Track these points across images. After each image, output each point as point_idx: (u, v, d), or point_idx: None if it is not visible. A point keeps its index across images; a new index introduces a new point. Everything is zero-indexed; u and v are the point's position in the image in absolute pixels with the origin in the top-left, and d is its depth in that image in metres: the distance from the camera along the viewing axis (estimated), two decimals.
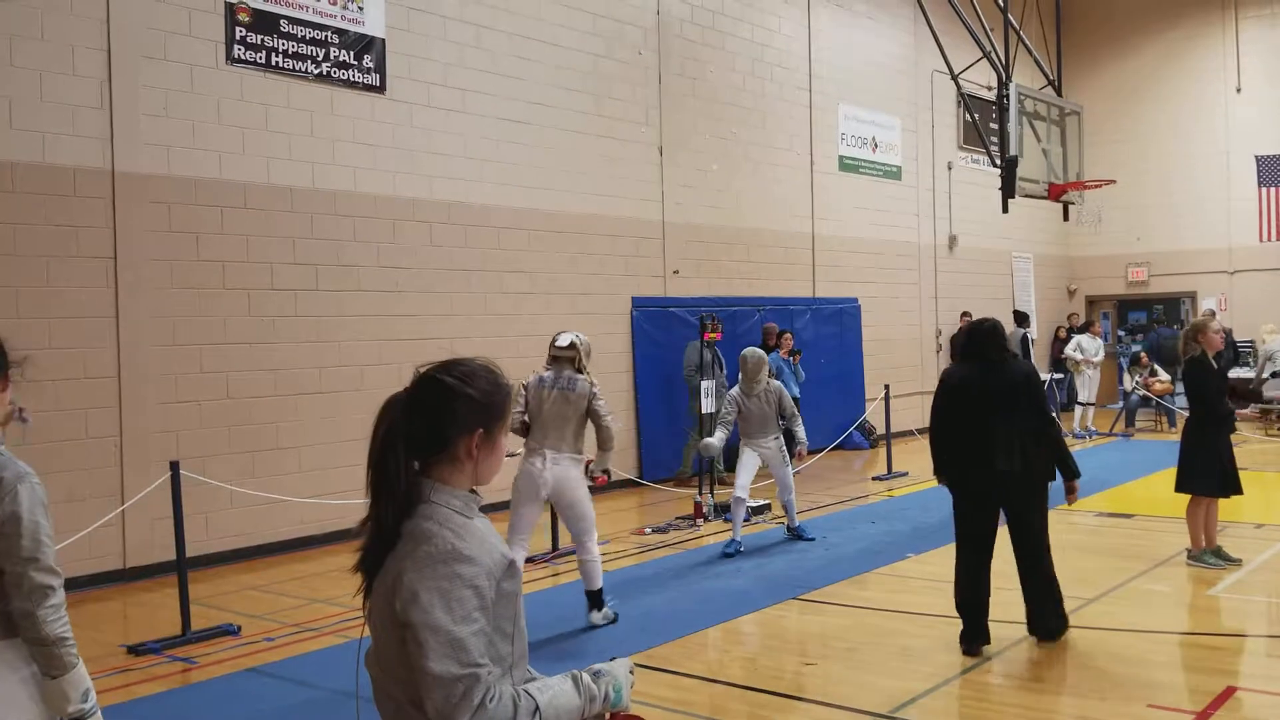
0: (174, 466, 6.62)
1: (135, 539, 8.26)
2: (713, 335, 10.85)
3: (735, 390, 8.76)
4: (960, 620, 6.13)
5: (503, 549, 2.19)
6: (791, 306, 15.05)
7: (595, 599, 6.61)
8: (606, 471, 6.73)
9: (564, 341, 6.55)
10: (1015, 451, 5.83)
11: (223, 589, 7.93)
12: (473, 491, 2.26)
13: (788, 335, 13.37)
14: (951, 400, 5.97)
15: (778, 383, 8.88)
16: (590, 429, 6.58)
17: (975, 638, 6.00)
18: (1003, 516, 6.07)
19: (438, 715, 2.01)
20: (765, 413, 8.67)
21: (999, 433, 5.84)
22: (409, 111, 10.28)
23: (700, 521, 10.05)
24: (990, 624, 6.21)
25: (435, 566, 2.07)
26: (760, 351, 8.86)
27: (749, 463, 8.80)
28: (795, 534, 9.20)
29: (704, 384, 10.70)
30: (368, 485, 2.18)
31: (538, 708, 2.09)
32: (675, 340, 12.74)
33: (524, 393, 6.47)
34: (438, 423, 2.18)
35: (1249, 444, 14.36)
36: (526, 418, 6.48)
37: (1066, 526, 9.98)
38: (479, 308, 10.92)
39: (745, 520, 9.36)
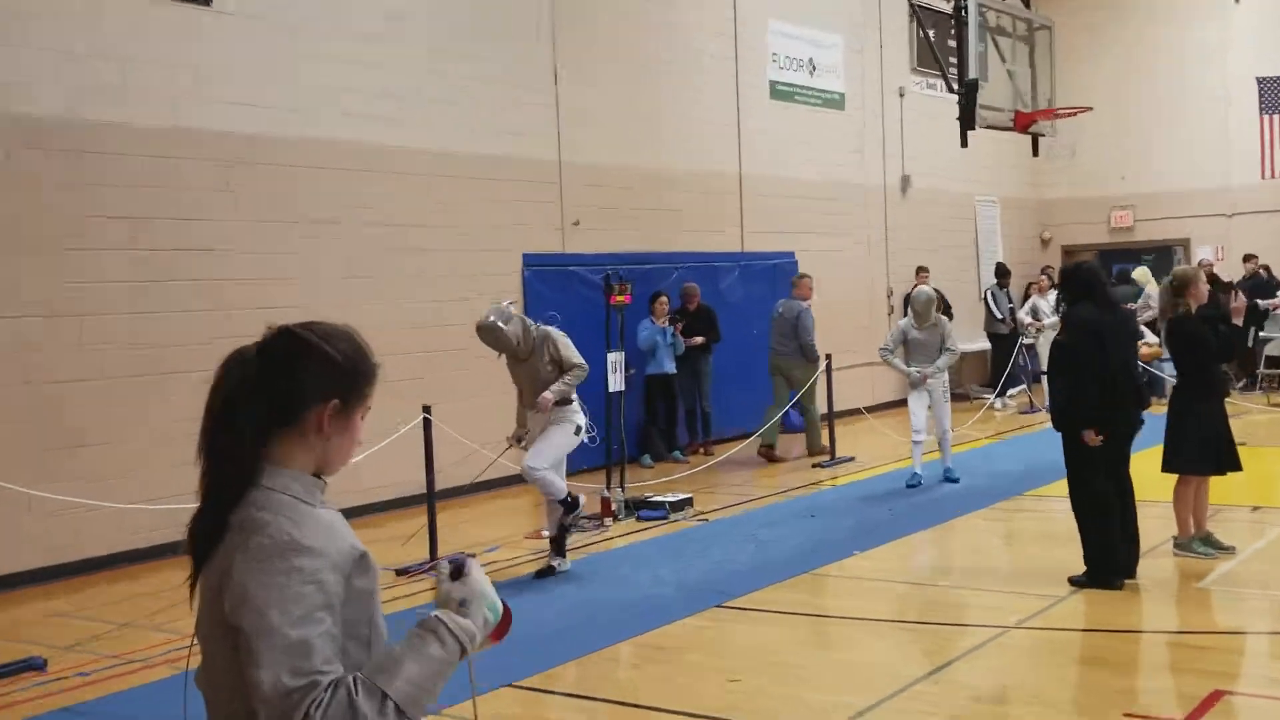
0: None
1: None
2: (620, 299, 10.97)
3: (904, 321, 11.74)
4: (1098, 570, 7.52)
5: (353, 540, 2.24)
6: (716, 263, 15.23)
7: (560, 545, 8.59)
8: None
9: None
10: (1143, 390, 7.75)
11: (23, 617, 7.86)
12: (316, 475, 2.30)
13: (662, 299, 13.48)
14: (1092, 344, 7.38)
15: (944, 317, 11.69)
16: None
17: (1122, 571, 7.49)
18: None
19: None
20: (930, 343, 11.45)
21: (1130, 373, 7.57)
22: (239, 26, 10.18)
23: (608, 521, 10.21)
24: (950, 627, 6.73)
25: (270, 560, 2.11)
26: (929, 291, 11.69)
27: (919, 403, 11.41)
28: (946, 476, 11.52)
29: (610, 356, 10.86)
30: (200, 453, 2.22)
31: (385, 696, 2.10)
32: (576, 305, 12.84)
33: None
34: (288, 384, 2.24)
35: (1249, 415, 15.00)
36: None
37: (1036, 514, 10.43)
38: (331, 270, 10.90)
39: (675, 510, 9.72)
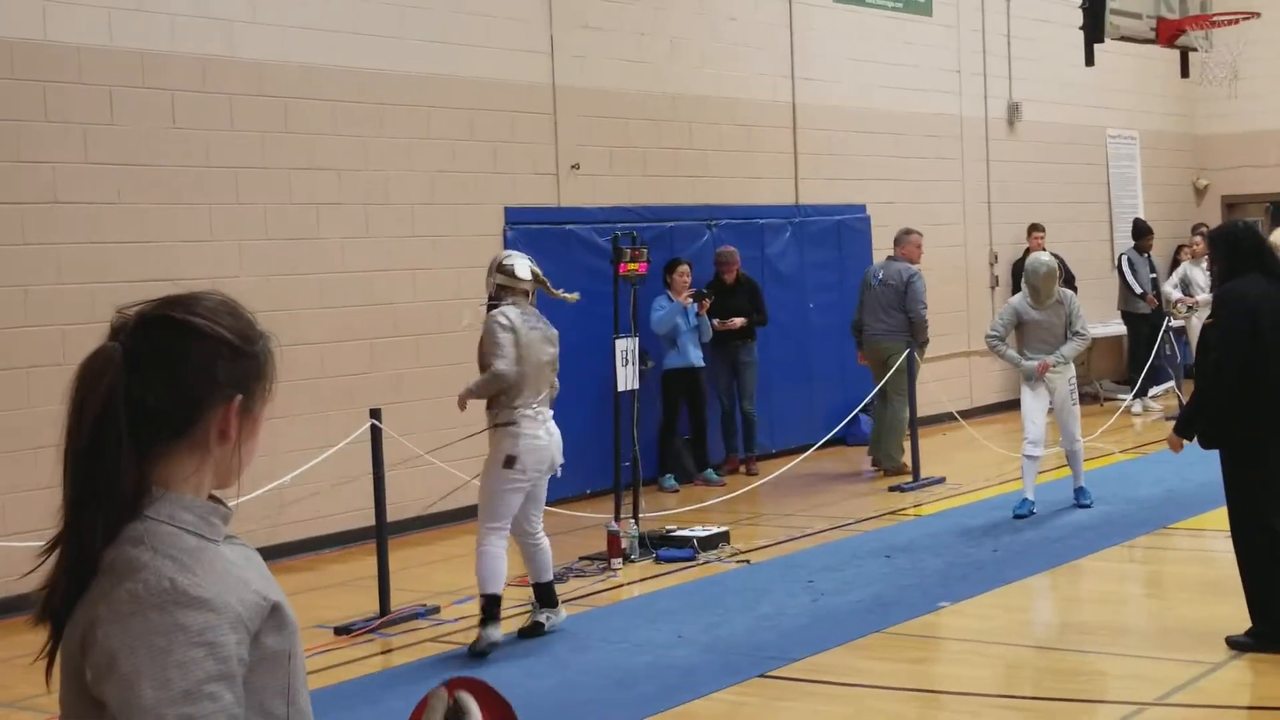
0: None
1: None
2: (633, 267, 10.90)
3: (1018, 299, 11.66)
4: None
5: (263, 586, 2.23)
6: (761, 219, 15.15)
7: (552, 592, 8.47)
8: None
9: (524, 272, 8.41)
10: None
11: None
12: (215, 500, 2.29)
13: (682, 269, 13.37)
14: (1251, 328, 7.28)
15: (1070, 292, 11.75)
16: None
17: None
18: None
19: None
20: (1054, 325, 11.40)
21: None
22: None
23: (617, 563, 10.17)
24: (1070, 704, 6.69)
25: (144, 615, 2.09)
26: (1048, 258, 11.68)
27: (1037, 405, 11.39)
28: (1077, 499, 11.62)
29: (620, 343, 10.79)
30: (66, 491, 2.20)
31: None
32: (574, 274, 12.71)
33: (509, 330, 8.11)
34: (177, 386, 2.22)
35: None
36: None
37: (1188, 554, 10.33)
38: (254, 228, 10.87)
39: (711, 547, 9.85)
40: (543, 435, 8.20)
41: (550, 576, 8.53)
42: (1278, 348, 7.32)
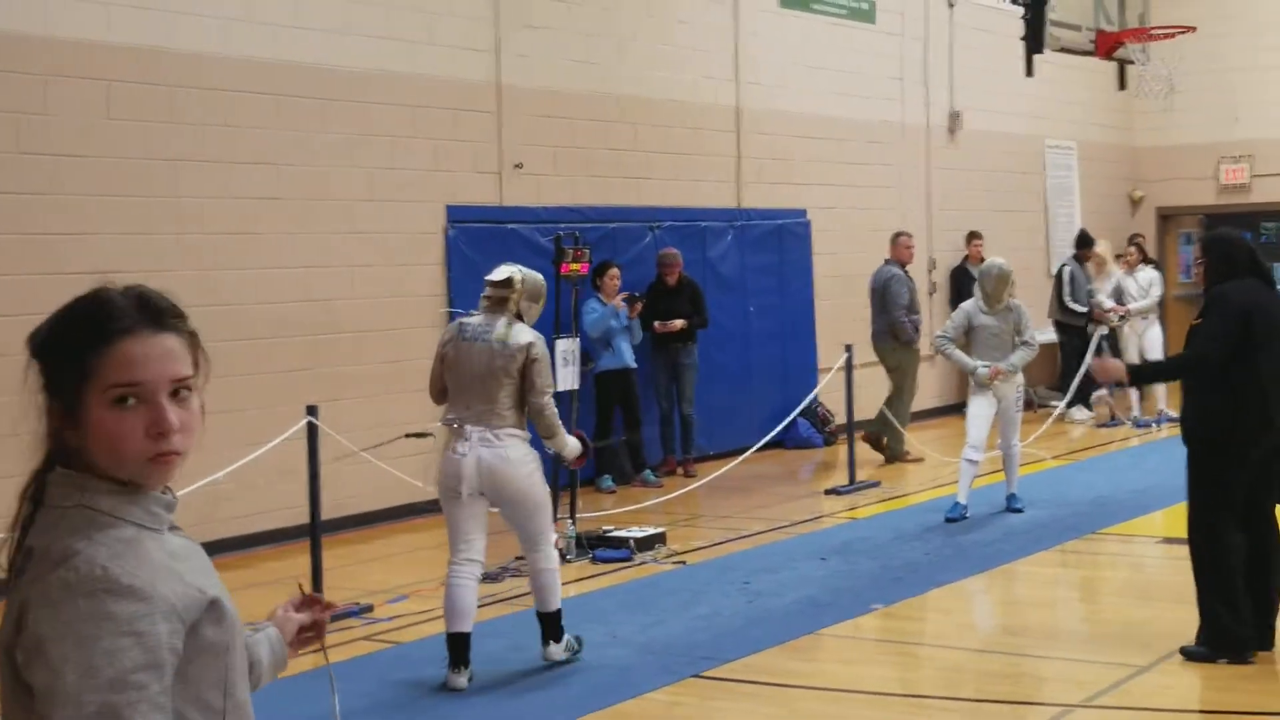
0: None
1: None
2: (574, 268, 10.90)
3: (970, 304, 11.65)
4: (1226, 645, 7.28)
5: (198, 580, 2.24)
6: (704, 222, 15.17)
7: (552, 624, 7.61)
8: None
9: (499, 275, 7.75)
10: None
11: None
12: (165, 491, 2.29)
13: (613, 272, 13.37)
14: (1244, 329, 7.28)
15: (1020, 302, 11.68)
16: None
17: (1250, 642, 7.28)
18: None
19: None
20: (1003, 331, 11.47)
21: None
22: None
23: None
24: (994, 705, 6.68)
25: (74, 601, 2.09)
26: (1001, 264, 11.57)
27: (984, 412, 11.47)
28: (1009, 504, 11.73)
29: (560, 344, 10.78)
30: None
31: None
32: None
33: (441, 339, 7.78)
34: (45, 391, 2.27)
35: None
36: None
37: (1115, 559, 10.42)
38: (187, 223, 10.76)
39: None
40: (457, 451, 7.42)
41: (544, 606, 7.61)
42: (1269, 352, 7.31)
